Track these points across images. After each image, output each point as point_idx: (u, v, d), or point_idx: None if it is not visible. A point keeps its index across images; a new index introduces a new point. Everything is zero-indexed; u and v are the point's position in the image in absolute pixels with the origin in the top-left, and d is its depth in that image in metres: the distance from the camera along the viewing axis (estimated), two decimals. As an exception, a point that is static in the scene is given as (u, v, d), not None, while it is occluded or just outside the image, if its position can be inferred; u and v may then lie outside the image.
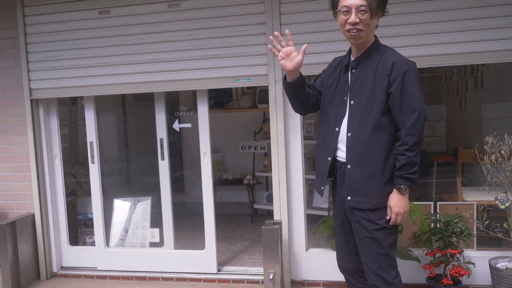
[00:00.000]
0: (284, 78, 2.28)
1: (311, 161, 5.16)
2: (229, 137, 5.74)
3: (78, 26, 3.70)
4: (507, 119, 4.39)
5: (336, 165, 2.21)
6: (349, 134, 2.13)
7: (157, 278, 3.78)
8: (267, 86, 3.44)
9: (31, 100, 3.84)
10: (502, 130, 3.04)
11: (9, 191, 3.99)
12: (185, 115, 3.99)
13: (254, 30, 3.40)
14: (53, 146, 3.99)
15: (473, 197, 3.60)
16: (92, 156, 3.92)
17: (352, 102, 2.14)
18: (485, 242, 3.34)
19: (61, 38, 3.74)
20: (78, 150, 4.83)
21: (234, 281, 3.62)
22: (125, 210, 4.27)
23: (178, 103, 5.42)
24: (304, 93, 2.30)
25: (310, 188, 4.74)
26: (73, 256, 4.04)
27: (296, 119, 3.47)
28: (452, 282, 2.98)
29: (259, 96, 5.35)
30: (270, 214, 5.48)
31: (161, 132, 3.80)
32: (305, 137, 4.01)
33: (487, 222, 2.98)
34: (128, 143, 5.86)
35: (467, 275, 2.98)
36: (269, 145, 5.25)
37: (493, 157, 2.88)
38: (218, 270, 3.74)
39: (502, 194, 2.92)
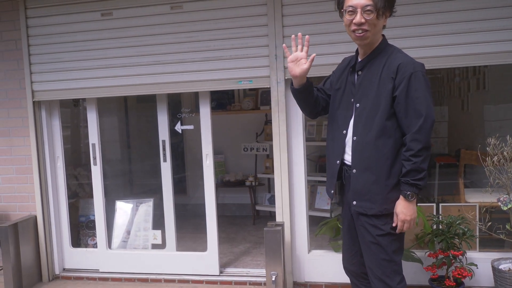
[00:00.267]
0: (291, 84, 2.27)
1: (312, 163, 5.16)
2: (231, 139, 5.75)
3: (80, 28, 3.71)
4: (509, 120, 4.38)
5: (344, 168, 2.19)
6: (355, 137, 2.10)
7: (159, 280, 3.78)
8: (269, 88, 3.44)
9: (34, 102, 3.85)
10: (505, 132, 3.04)
11: (11, 193, 3.99)
12: (187, 117, 3.99)
13: (256, 32, 3.40)
14: (55, 148, 3.99)
15: (476, 198, 3.59)
16: (94, 158, 3.92)
17: (358, 105, 2.10)
18: (487, 243, 3.33)
19: (63, 40, 3.75)
20: (80, 152, 4.84)
21: (236, 283, 3.62)
22: (127, 212, 4.27)
23: (180, 105, 5.43)
24: (312, 97, 2.27)
25: (312, 190, 4.74)
26: (75, 258, 4.04)
27: (298, 120, 3.47)
28: (454, 283, 2.97)
29: (261, 97, 5.35)
30: (272, 215, 5.47)
31: (163, 134, 3.80)
32: (307, 139, 4.01)
33: (489, 224, 2.98)
34: (130, 145, 5.87)
35: (470, 277, 2.97)
36: (271, 146, 5.28)
37: (495, 158, 2.87)
38: (220, 272, 3.73)
39: (504, 196, 2.92)
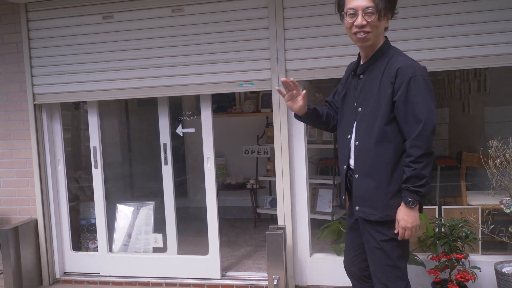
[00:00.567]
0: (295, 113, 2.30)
1: (313, 165, 5.15)
2: (232, 142, 5.74)
3: (81, 31, 3.71)
4: (510, 122, 4.38)
5: (349, 173, 2.18)
6: (357, 142, 2.09)
7: (160, 284, 3.76)
8: (271, 90, 3.43)
9: (35, 105, 3.84)
10: (506, 134, 3.03)
11: (12, 196, 3.98)
12: (188, 120, 3.98)
13: (257, 35, 3.40)
14: (56, 151, 3.98)
15: (478, 201, 3.59)
16: (95, 161, 3.91)
17: (360, 109, 2.09)
18: (490, 246, 3.31)
19: (64, 43, 3.75)
20: (80, 154, 4.83)
21: (238, 286, 3.60)
22: (128, 215, 4.26)
23: (181, 108, 5.42)
24: (320, 118, 2.30)
25: (314, 193, 4.73)
26: (75, 262, 4.03)
27: (300, 123, 3.46)
28: (457, 287, 2.96)
29: (262, 100, 5.34)
30: (273, 218, 5.47)
31: (165, 137, 3.80)
32: (308, 141, 3.99)
33: (492, 226, 2.96)
34: (130, 148, 5.86)
35: (473, 280, 2.96)
36: (272, 149, 5.26)
37: (497, 161, 2.86)
38: (222, 276, 3.72)
39: (507, 198, 2.90)
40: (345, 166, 2.17)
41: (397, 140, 2.00)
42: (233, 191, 5.59)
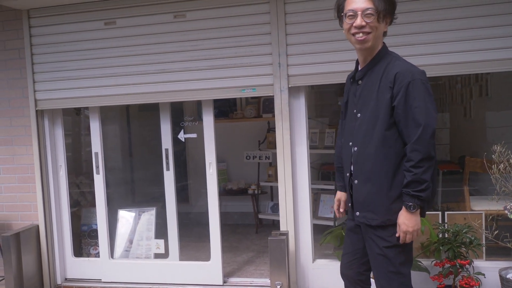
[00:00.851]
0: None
1: (315, 171, 5.13)
2: (234, 147, 5.73)
3: (83, 37, 3.71)
4: (511, 127, 4.37)
5: (351, 179, 2.17)
6: (356, 148, 2.09)
7: (162, 290, 3.75)
8: (272, 96, 3.43)
9: (36, 110, 3.84)
10: (508, 138, 3.02)
11: (13, 202, 3.97)
12: (190, 125, 3.98)
13: (259, 40, 3.40)
14: (57, 156, 3.98)
15: (481, 206, 3.57)
16: (97, 167, 3.90)
17: (359, 115, 2.09)
18: (494, 252, 3.29)
19: (66, 49, 3.75)
20: (81, 160, 4.82)
21: (240, 292, 3.59)
22: (130, 220, 4.25)
23: (182, 113, 5.42)
24: None
25: (315, 198, 4.71)
26: (77, 268, 4.01)
27: (302, 129, 3.46)
28: (462, 293, 2.94)
29: (263, 105, 5.34)
30: (275, 224, 5.45)
31: (166, 142, 3.79)
32: (310, 147, 3.98)
33: (496, 232, 2.94)
34: (132, 153, 5.85)
35: (477, 286, 2.94)
36: (273, 154, 5.26)
37: (501, 166, 2.85)
38: (224, 282, 3.70)
39: (511, 204, 2.89)
40: (348, 174, 2.18)
41: (397, 144, 1.99)
42: (235, 196, 5.58)
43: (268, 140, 5.38)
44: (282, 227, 3.45)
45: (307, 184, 3.47)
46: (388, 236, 2.04)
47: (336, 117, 5.36)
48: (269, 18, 3.37)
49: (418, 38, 3.14)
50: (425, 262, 3.14)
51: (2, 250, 3.70)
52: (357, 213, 2.12)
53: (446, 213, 3.38)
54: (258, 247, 4.73)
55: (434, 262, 3.07)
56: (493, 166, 2.88)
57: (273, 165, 5.34)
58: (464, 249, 2.97)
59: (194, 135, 3.89)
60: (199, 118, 3.79)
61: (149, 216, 4.22)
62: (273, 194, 5.58)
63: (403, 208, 1.97)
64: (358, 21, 1.96)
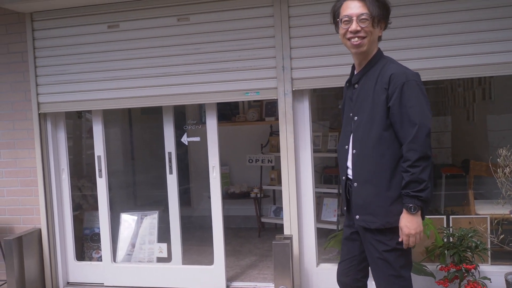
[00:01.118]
0: None
1: (318, 174, 5.12)
2: (236, 150, 5.72)
3: (86, 40, 3.71)
4: (512, 130, 4.36)
5: (348, 183, 2.18)
6: (354, 151, 2.09)
7: (165, 294, 3.73)
8: (276, 99, 3.42)
9: (39, 114, 3.83)
10: (508, 142, 3.00)
11: (15, 205, 3.95)
12: (193, 128, 3.97)
13: (263, 44, 3.39)
14: (60, 160, 3.97)
15: (486, 210, 3.55)
16: (100, 170, 3.89)
17: (356, 118, 2.10)
18: (499, 256, 3.27)
19: (69, 52, 3.75)
20: (82, 163, 4.81)
21: (244, 297, 3.57)
22: (132, 224, 4.23)
23: (185, 117, 5.41)
24: None
25: (318, 201, 4.69)
26: (79, 272, 3.99)
27: (306, 132, 3.44)
28: (467, 298, 2.92)
29: (266, 109, 5.33)
30: (277, 228, 5.43)
31: (170, 145, 3.77)
32: (313, 150, 3.97)
33: (502, 236, 2.92)
34: (134, 156, 5.84)
35: (483, 291, 2.92)
36: (276, 158, 5.25)
37: (507, 170, 2.83)
38: (227, 286, 3.67)
39: (517, 208, 2.88)
40: (344, 177, 2.18)
41: (394, 146, 2.00)
42: (237, 200, 5.56)
43: (270, 144, 5.36)
44: (286, 231, 3.43)
45: (311, 188, 3.45)
46: (387, 240, 2.03)
47: (337, 121, 5.35)
48: (273, 21, 3.36)
49: (413, 42, 3.14)
50: (430, 267, 3.12)
51: (4, 254, 3.68)
52: (357, 217, 2.10)
53: (451, 217, 3.36)
54: (261, 251, 4.71)
55: (440, 266, 3.05)
56: (498, 170, 2.87)
57: (275, 168, 5.32)
58: (469, 253, 2.95)
59: (197, 139, 3.88)
60: (201, 122, 3.78)
61: (151, 219, 4.21)
62: (275, 197, 5.56)
63: (404, 210, 1.96)
64: (353, 26, 2.00)
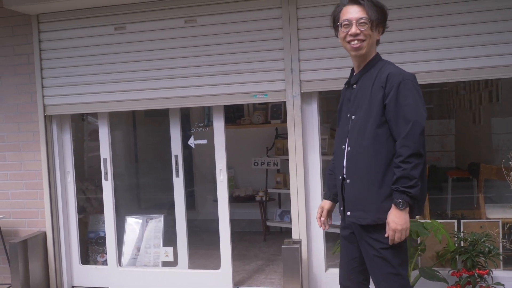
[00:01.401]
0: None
1: (323, 177, 5.08)
2: (241, 153, 5.67)
3: (93, 42, 3.68)
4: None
5: (343, 183, 2.18)
6: (349, 148, 2.13)
7: (171, 299, 3.68)
8: (282, 101, 3.39)
9: (45, 116, 3.80)
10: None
11: (20, 208, 3.92)
12: (201, 131, 3.93)
13: (271, 45, 3.36)
14: (65, 162, 3.93)
15: (497, 214, 3.51)
16: (106, 173, 3.86)
17: (353, 117, 2.14)
18: (510, 261, 3.23)
19: (76, 54, 3.72)
20: (86, 166, 4.77)
21: (251, 302, 3.52)
22: (137, 228, 4.19)
23: (189, 119, 5.38)
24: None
25: (325, 205, 4.64)
26: (84, 276, 3.95)
27: (314, 135, 3.41)
28: (480, 304, 2.87)
29: (271, 111, 5.29)
30: (282, 231, 5.39)
31: (176, 148, 3.74)
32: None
33: (514, 241, 2.89)
34: (137, 159, 5.80)
35: (496, 297, 2.87)
36: (282, 161, 5.21)
37: (519, 173, 2.80)
38: (234, 291, 3.64)
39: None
40: (340, 177, 2.19)
41: (388, 143, 2.03)
42: (242, 203, 5.51)
43: (276, 147, 5.33)
44: (294, 235, 3.39)
45: (320, 191, 3.41)
46: (383, 238, 2.04)
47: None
48: (281, 23, 3.33)
49: (410, 45, 3.14)
50: (441, 272, 3.08)
51: (9, 258, 3.64)
52: (348, 213, 2.11)
53: (462, 221, 3.31)
54: (267, 255, 4.66)
55: (451, 271, 3.00)
56: (511, 173, 2.83)
57: (281, 171, 5.28)
58: (483, 258, 2.91)
59: (204, 141, 3.84)
60: (207, 124, 3.75)
61: (156, 223, 4.17)
62: (281, 201, 5.52)
63: (393, 206, 1.98)
64: (353, 29, 2.07)
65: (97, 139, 3.96)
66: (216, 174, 3.63)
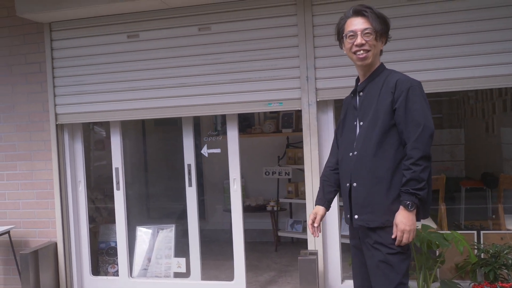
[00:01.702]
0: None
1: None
2: (252, 163, 5.61)
3: (106, 50, 3.66)
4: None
5: (351, 187, 2.16)
6: (355, 152, 2.13)
7: (183, 311, 3.61)
8: (294, 110, 3.34)
9: (57, 125, 3.77)
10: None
11: (31, 218, 3.88)
12: (214, 140, 3.88)
13: (287, 53, 3.33)
14: (77, 172, 3.89)
15: (517, 225, 3.43)
16: (118, 183, 3.81)
17: (361, 123, 2.17)
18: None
19: (88, 62, 3.70)
20: (95, 175, 4.73)
21: (266, 314, 3.44)
22: (148, 238, 4.13)
23: (199, 128, 5.34)
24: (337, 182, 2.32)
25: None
26: (95, 287, 3.88)
27: (330, 143, 3.34)
28: (504, 318, 2.79)
29: (282, 120, 5.24)
30: (294, 242, 5.31)
31: (189, 157, 3.70)
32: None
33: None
34: (147, 168, 5.76)
35: (520, 311, 2.79)
36: (293, 170, 5.15)
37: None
38: (248, 303, 3.56)
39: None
40: (348, 184, 2.16)
41: (396, 145, 2.06)
42: (253, 213, 5.44)
43: (287, 156, 5.27)
44: (310, 246, 3.32)
45: (336, 201, 3.35)
46: (390, 244, 2.03)
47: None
48: (296, 31, 3.30)
49: (415, 54, 3.12)
50: (462, 284, 2.99)
51: (19, 268, 3.59)
52: (356, 216, 2.10)
53: (482, 232, 3.24)
54: (279, 266, 4.58)
55: (472, 284, 2.92)
56: (534, 183, 2.76)
57: (292, 181, 5.22)
58: (505, 271, 2.83)
59: (218, 150, 3.79)
60: (218, 133, 3.70)
61: (167, 233, 4.11)
62: (292, 211, 5.44)
63: (401, 207, 2.00)
64: (359, 40, 2.11)
65: (103, 148, 3.93)
66: (230, 184, 3.58)
